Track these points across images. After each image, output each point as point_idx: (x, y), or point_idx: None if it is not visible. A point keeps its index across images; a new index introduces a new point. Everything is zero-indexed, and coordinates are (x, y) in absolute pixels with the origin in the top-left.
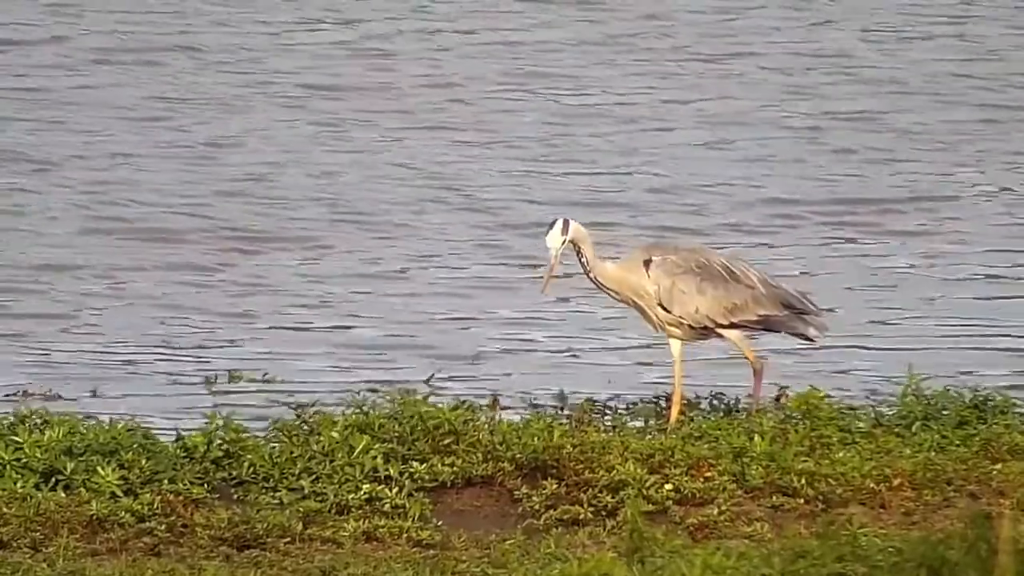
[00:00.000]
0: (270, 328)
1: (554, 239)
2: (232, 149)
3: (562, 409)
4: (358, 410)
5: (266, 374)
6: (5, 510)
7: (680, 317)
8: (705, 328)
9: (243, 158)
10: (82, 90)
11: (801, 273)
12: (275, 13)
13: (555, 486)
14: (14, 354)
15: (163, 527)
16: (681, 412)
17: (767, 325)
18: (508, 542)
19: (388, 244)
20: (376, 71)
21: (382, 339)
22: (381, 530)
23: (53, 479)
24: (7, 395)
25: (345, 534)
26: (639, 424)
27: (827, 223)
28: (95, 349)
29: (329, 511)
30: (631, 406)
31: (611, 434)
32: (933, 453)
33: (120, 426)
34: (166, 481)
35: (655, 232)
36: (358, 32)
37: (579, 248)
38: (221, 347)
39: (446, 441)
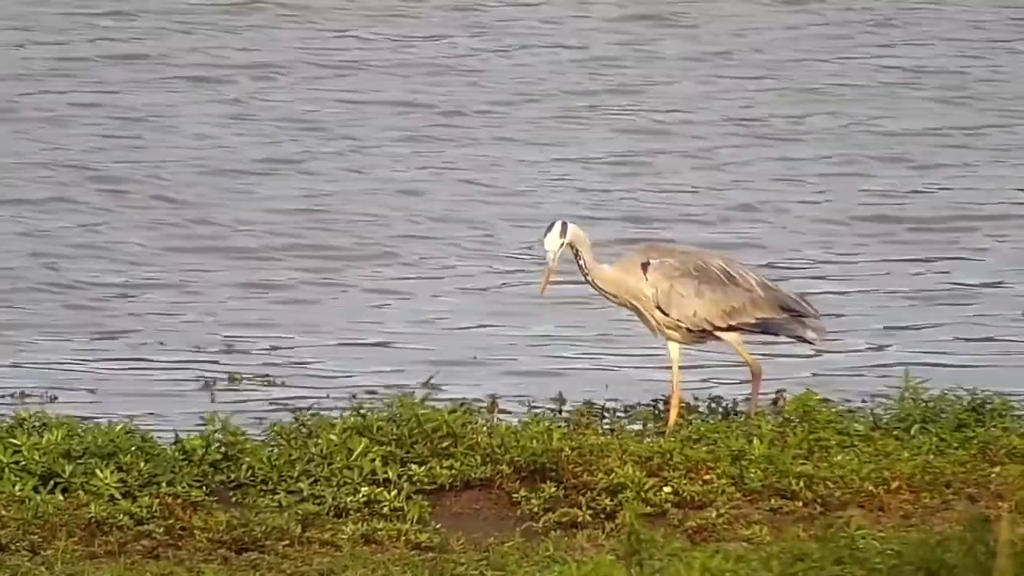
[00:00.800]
0: (271, 331)
1: (552, 241)
2: (267, 164)
3: (560, 412)
4: (356, 413)
5: (267, 376)
6: (4, 513)
7: (678, 320)
8: (703, 331)
9: (274, 171)
10: (146, 107)
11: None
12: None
13: (554, 489)
14: (13, 356)
15: (161, 530)
16: (679, 415)
17: (765, 328)
18: (507, 545)
19: (403, 251)
20: (441, 85)
21: (382, 342)
22: (380, 533)
23: (52, 482)
24: (3, 395)
25: (344, 537)
26: (638, 427)
27: (870, 237)
28: (94, 351)
29: (328, 514)
30: (629, 409)
31: (610, 437)
32: (931, 456)
33: (119, 428)
34: (165, 484)
35: (719, 248)
36: (427, 48)
37: (577, 251)
38: (221, 349)
39: (445, 444)
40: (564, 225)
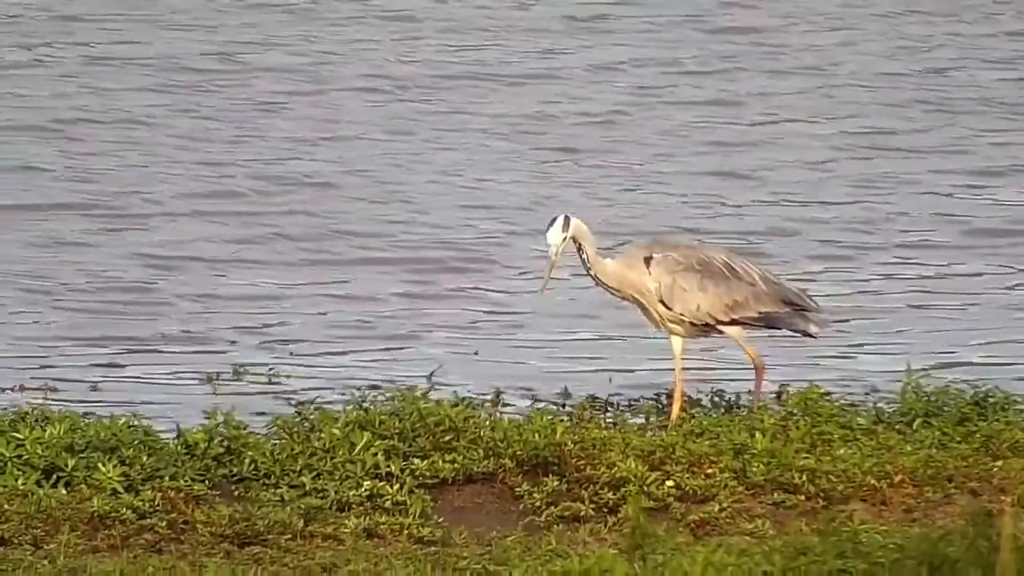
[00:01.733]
0: (274, 326)
1: (555, 236)
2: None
3: (564, 406)
4: (359, 407)
5: (271, 370)
6: (6, 507)
7: (681, 314)
8: (706, 325)
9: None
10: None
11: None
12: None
13: (556, 483)
14: (14, 350)
15: (164, 524)
16: (682, 409)
17: (768, 322)
18: (509, 539)
19: (427, 252)
20: (531, 100)
21: (385, 338)
22: (382, 527)
23: (54, 476)
24: (4, 389)
25: (346, 531)
26: (640, 421)
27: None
28: (96, 345)
29: (330, 508)
30: (632, 403)
31: (612, 431)
32: (934, 450)
33: (121, 422)
34: (167, 478)
35: (823, 261)
36: (515, 63)
37: (580, 245)
38: (224, 343)
39: (447, 438)
40: (567, 219)
